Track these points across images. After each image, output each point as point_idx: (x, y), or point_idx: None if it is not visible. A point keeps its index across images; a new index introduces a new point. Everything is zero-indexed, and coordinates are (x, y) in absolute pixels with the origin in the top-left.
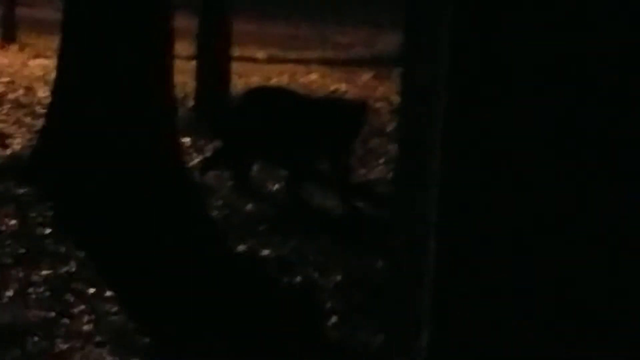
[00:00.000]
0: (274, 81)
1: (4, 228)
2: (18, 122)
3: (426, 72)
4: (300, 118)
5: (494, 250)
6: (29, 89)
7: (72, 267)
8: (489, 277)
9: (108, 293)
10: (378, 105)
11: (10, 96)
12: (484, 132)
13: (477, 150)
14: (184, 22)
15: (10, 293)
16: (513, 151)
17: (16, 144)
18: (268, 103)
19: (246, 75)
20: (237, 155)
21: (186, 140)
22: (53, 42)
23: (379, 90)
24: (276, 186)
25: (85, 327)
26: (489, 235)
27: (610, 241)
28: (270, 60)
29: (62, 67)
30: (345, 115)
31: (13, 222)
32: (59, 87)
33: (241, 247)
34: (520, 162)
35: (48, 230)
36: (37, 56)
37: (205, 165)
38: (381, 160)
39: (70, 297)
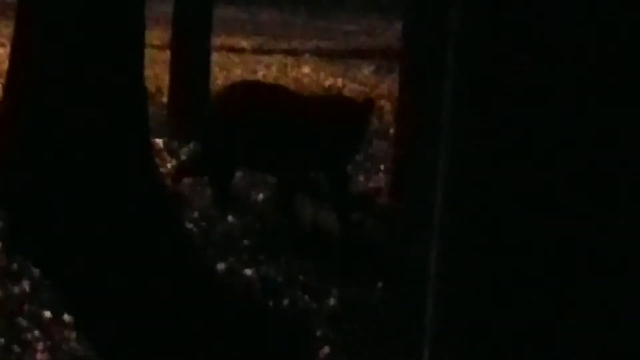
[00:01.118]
0: (260, 74)
1: None
2: None
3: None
4: (292, 119)
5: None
6: None
7: (26, 287)
8: (492, 293)
9: (66, 317)
10: (379, 103)
11: None
12: (488, 132)
13: (482, 153)
14: (158, 6)
15: None
16: (520, 154)
17: None
18: (253, 100)
19: (229, 68)
20: (217, 161)
21: (159, 141)
22: (7, 28)
23: (381, 87)
24: (261, 196)
25: (40, 357)
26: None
27: (612, 250)
28: (257, 50)
29: (16, 58)
30: (346, 116)
31: None
32: (14, 83)
33: (221, 266)
34: (526, 164)
35: None
36: None
37: (180, 172)
38: (382, 167)
39: (22, 322)
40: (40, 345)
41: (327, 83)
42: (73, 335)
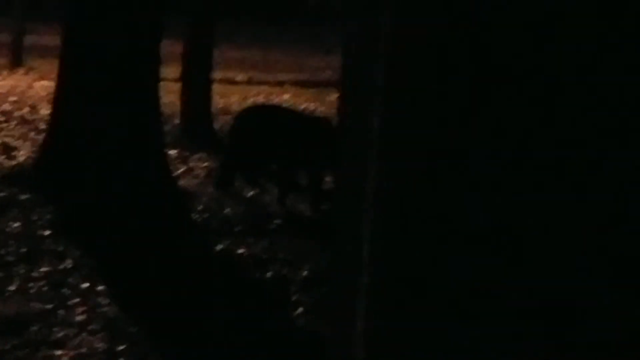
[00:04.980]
0: (250, 101)
1: (8, 230)
2: (23, 137)
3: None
4: (295, 134)
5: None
6: (33, 108)
7: (69, 264)
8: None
9: (100, 287)
10: None
11: (17, 114)
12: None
13: (415, 158)
14: (171, 48)
15: (13, 287)
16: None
17: (21, 155)
18: (267, 120)
19: (227, 96)
20: (245, 165)
21: (173, 152)
22: (55, 66)
23: None
24: (251, 193)
25: (80, 318)
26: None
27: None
28: (249, 82)
29: (61, 88)
30: (321, 132)
31: (16, 224)
32: (59, 106)
33: (220, 246)
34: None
35: (47, 232)
36: (41, 78)
37: (221, 181)
38: None
39: (66, 291)
40: (79, 309)
41: (303, 107)
42: (106, 301)
